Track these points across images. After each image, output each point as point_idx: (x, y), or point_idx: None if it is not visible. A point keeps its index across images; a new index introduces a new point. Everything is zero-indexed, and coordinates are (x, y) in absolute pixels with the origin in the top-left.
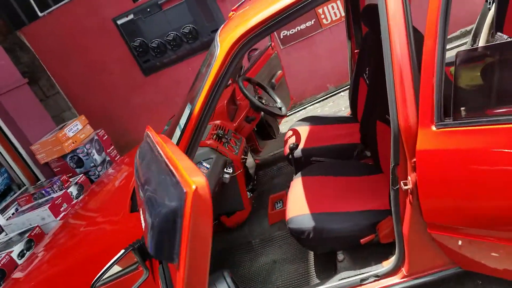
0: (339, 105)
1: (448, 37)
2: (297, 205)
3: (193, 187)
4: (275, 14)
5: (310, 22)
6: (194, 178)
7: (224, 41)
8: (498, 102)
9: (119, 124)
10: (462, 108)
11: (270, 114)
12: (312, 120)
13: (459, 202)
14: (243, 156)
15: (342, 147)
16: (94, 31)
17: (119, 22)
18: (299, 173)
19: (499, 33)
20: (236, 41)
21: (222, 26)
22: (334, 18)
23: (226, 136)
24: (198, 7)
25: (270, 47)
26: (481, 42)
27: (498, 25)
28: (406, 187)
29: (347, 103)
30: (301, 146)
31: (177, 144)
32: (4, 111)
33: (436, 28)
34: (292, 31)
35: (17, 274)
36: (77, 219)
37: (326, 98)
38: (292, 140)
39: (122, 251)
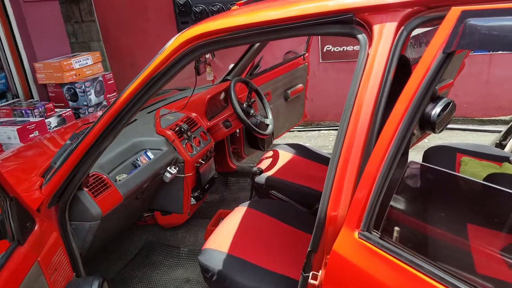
0: None
1: (495, 118)
2: (221, 237)
3: None
4: (245, 27)
5: (358, 47)
6: None
7: (180, 35)
8: (432, 246)
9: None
10: (397, 229)
11: (248, 128)
12: (298, 149)
13: None
14: (200, 160)
15: (308, 192)
16: None
17: None
18: (248, 203)
19: None
20: (188, 40)
21: (207, 18)
22: None
23: (189, 133)
24: None
25: (302, 56)
26: (510, 143)
27: None
28: (312, 282)
29: None
30: (269, 172)
31: (92, 127)
32: (23, 19)
33: (399, 122)
34: (337, 49)
35: None
36: (20, 153)
37: None
38: (266, 163)
39: None
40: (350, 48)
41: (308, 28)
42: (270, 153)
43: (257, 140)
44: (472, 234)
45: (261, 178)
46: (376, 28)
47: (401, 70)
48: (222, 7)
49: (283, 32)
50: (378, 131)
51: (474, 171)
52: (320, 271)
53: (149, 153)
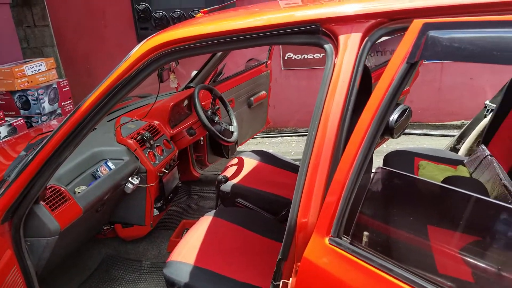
0: None
1: (447, 123)
2: (188, 248)
3: None
4: (212, 35)
5: (319, 55)
6: None
7: (145, 43)
8: (399, 248)
9: (92, 81)
10: (366, 234)
11: (213, 135)
12: (263, 156)
13: None
14: (163, 170)
15: (274, 199)
16: None
17: None
18: (213, 212)
19: (483, 146)
20: (154, 48)
21: (171, 26)
22: None
23: (152, 142)
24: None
25: (265, 64)
26: (464, 146)
27: (486, 137)
28: None
29: None
30: (235, 180)
31: (52, 136)
32: None
33: (366, 130)
34: (298, 56)
35: None
36: None
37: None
38: (231, 170)
39: None
40: (310, 56)
41: (275, 37)
42: (235, 160)
43: (221, 148)
44: (432, 235)
45: (226, 186)
46: (341, 38)
47: (363, 78)
48: (183, 14)
49: (251, 41)
50: (345, 138)
51: (432, 174)
52: (291, 279)
53: (109, 163)
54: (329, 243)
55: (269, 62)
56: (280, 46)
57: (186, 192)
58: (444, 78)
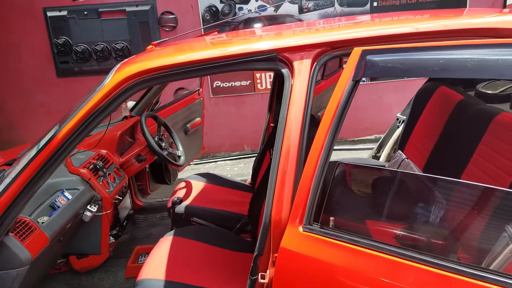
0: (249, 168)
1: (363, 138)
2: (156, 266)
3: None
4: (186, 64)
5: (246, 82)
6: None
7: (118, 72)
8: (366, 224)
9: (9, 116)
10: (332, 218)
11: (164, 160)
12: (209, 177)
13: None
14: (117, 197)
15: (227, 215)
16: (20, 13)
17: (49, 13)
18: (173, 231)
19: (399, 151)
20: (129, 77)
21: (125, 61)
22: (268, 87)
23: (104, 170)
24: (139, 29)
25: (197, 92)
26: (384, 154)
27: (401, 143)
28: (262, 281)
29: None
30: (187, 202)
31: (28, 164)
32: None
33: (326, 135)
34: (226, 84)
35: None
36: None
37: (240, 158)
38: (180, 193)
39: None
40: (237, 83)
41: (241, 64)
42: (182, 184)
43: (163, 175)
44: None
45: (180, 208)
46: (296, 64)
47: None
48: (106, 47)
49: (221, 68)
50: (306, 145)
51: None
52: (268, 270)
53: (66, 193)
54: (303, 231)
55: (201, 90)
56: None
57: (131, 221)
58: (359, 97)
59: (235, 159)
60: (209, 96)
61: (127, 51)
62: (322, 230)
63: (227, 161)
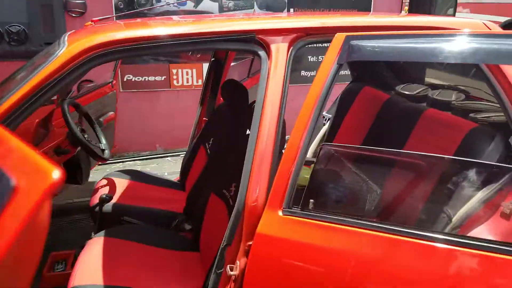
0: (163, 169)
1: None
2: (89, 271)
3: None
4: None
5: (161, 77)
6: None
7: (75, 42)
8: (344, 203)
9: None
10: (311, 201)
11: (90, 153)
12: (134, 174)
13: None
14: None
15: (161, 213)
16: None
17: None
18: (102, 232)
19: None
20: (92, 47)
21: (73, 31)
22: (185, 83)
23: None
24: (40, 11)
25: (110, 84)
26: (310, 149)
27: (328, 140)
28: (231, 273)
29: (173, 168)
30: (113, 200)
31: None
32: None
33: (310, 117)
34: (138, 78)
35: None
36: None
37: (151, 158)
38: (105, 191)
39: None
40: (152, 78)
41: (216, 43)
42: (104, 181)
43: (74, 174)
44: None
45: (107, 207)
46: (273, 47)
47: None
48: None
49: (197, 44)
50: (283, 128)
51: (303, 173)
52: (238, 261)
53: None
54: (283, 215)
55: (114, 82)
56: (119, 69)
57: None
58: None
59: (146, 159)
60: (118, 90)
61: (24, 35)
62: (304, 212)
63: (137, 161)
